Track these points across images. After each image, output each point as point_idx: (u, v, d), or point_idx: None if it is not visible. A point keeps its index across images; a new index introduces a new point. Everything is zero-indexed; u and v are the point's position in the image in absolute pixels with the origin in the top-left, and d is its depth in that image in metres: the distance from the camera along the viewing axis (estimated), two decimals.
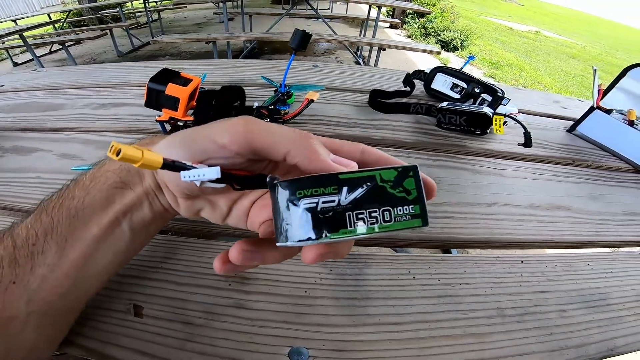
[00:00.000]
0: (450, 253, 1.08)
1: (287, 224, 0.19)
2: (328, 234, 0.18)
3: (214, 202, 0.27)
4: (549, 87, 4.43)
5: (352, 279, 0.39)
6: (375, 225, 0.18)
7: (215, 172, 0.19)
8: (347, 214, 0.18)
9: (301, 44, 0.56)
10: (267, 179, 0.20)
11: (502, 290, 0.40)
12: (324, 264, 0.41)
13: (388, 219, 0.18)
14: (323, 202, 0.18)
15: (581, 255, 0.46)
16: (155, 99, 0.50)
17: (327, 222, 0.18)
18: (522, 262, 0.44)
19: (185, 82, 0.50)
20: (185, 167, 0.19)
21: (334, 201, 0.18)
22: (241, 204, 0.27)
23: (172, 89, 0.48)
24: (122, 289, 0.36)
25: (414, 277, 0.40)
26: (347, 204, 0.18)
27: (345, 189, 0.18)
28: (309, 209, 0.18)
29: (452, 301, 0.38)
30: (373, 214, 0.18)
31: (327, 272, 0.40)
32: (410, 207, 0.19)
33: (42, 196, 0.47)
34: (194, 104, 0.52)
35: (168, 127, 0.56)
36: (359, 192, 0.18)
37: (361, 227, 0.18)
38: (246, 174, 0.22)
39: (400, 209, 0.18)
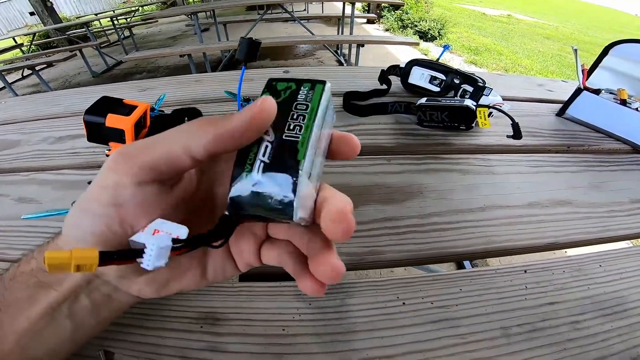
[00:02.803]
0: (465, 268, 1.04)
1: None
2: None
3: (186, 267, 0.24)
4: (530, 68, 4.45)
5: (334, 312, 0.36)
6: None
7: (164, 239, 0.17)
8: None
9: (249, 54, 0.49)
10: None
11: (504, 307, 0.36)
12: (302, 298, 0.37)
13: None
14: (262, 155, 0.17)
15: (590, 256, 0.42)
16: (97, 132, 0.44)
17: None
18: (525, 271, 0.40)
19: (129, 110, 0.44)
20: (131, 253, 0.17)
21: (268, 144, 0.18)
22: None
23: (112, 120, 0.43)
24: None
25: (404, 303, 0.36)
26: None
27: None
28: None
29: (449, 325, 0.35)
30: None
31: (305, 307, 0.36)
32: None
33: (2, 245, 0.45)
34: (146, 131, 0.47)
35: None
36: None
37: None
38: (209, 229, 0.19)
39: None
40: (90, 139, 0.46)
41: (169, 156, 0.18)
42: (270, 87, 0.20)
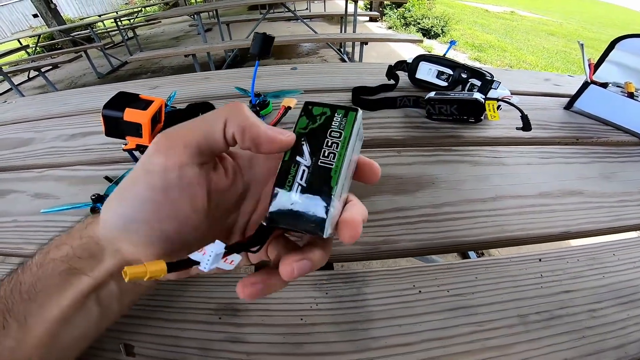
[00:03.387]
0: (469, 258, 1.05)
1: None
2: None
3: None
4: (535, 64, 4.43)
5: (351, 301, 0.36)
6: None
7: (219, 246, 0.19)
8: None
9: (263, 48, 0.49)
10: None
11: (521, 294, 0.36)
12: (319, 287, 0.37)
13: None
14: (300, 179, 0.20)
15: (604, 245, 0.42)
16: (115, 127, 0.45)
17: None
18: (539, 260, 0.40)
19: (145, 104, 0.45)
20: (190, 262, 0.19)
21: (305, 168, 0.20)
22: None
23: (130, 115, 0.44)
24: (110, 327, 0.34)
25: (420, 291, 0.37)
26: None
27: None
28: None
29: (466, 313, 0.35)
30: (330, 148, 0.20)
31: (322, 296, 0.37)
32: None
33: (20, 240, 0.46)
34: (161, 126, 0.47)
35: (138, 154, 0.52)
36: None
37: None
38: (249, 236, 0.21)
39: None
40: (107, 134, 0.46)
41: (211, 135, 0.20)
42: (307, 111, 0.22)
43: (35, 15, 7.60)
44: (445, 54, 0.77)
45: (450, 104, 0.58)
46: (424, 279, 0.38)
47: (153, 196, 0.20)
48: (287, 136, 0.20)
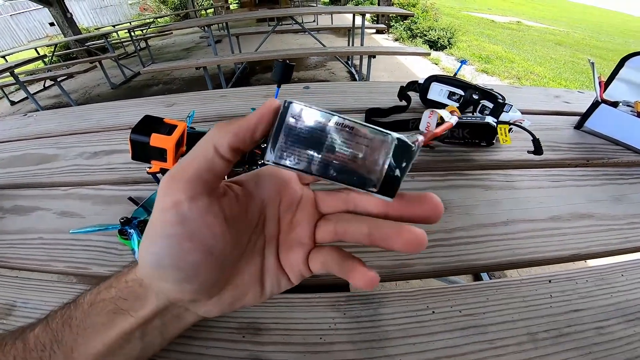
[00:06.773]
0: (482, 279, 1.05)
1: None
2: None
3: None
4: (543, 76, 4.41)
5: (368, 321, 0.37)
6: None
7: None
8: None
9: (284, 76, 0.52)
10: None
11: (531, 314, 0.38)
12: (337, 308, 0.39)
13: None
14: None
15: (613, 266, 0.43)
16: (141, 151, 0.47)
17: None
18: (549, 281, 0.41)
19: (170, 129, 0.47)
20: None
21: None
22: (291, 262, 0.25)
23: (156, 140, 0.45)
24: None
25: (433, 312, 0.38)
26: None
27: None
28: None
29: (477, 332, 0.36)
30: None
31: (340, 316, 0.38)
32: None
33: (46, 257, 0.49)
34: (184, 150, 0.49)
35: (161, 177, 0.54)
36: None
37: None
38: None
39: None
40: (134, 157, 0.48)
41: (206, 161, 0.20)
42: None
43: (51, 24, 7.80)
44: (456, 74, 0.79)
45: (462, 127, 0.60)
46: (437, 300, 0.39)
47: (172, 231, 0.21)
48: (269, 102, 0.20)
